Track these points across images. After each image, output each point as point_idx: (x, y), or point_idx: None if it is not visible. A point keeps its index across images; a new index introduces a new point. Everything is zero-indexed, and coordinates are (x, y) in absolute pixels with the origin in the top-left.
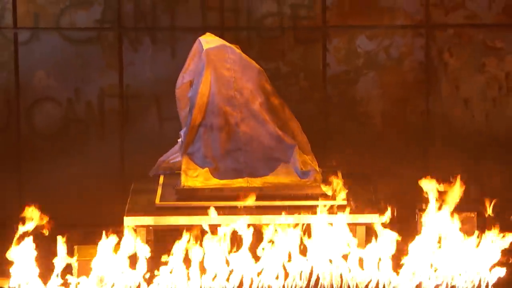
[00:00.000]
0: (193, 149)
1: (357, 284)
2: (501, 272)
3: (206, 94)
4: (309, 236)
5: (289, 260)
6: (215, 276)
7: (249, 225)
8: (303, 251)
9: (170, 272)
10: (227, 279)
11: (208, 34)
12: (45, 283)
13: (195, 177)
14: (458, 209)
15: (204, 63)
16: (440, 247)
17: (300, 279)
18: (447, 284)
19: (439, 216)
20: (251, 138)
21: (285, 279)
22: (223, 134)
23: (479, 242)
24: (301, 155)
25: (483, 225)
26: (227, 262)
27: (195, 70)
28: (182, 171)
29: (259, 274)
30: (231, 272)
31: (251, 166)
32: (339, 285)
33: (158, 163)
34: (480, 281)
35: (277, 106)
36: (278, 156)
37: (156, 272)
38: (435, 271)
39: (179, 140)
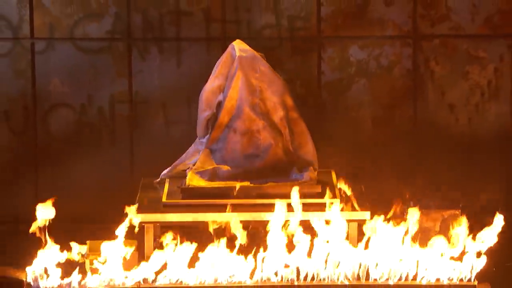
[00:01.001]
0: (216, 146)
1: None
2: (482, 261)
3: (235, 98)
4: (306, 231)
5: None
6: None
7: (248, 222)
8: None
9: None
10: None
11: (239, 41)
12: (60, 276)
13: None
14: (443, 207)
15: (237, 69)
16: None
17: (299, 273)
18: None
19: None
20: (269, 146)
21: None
22: (245, 139)
23: (459, 239)
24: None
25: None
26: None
27: (227, 74)
28: (195, 168)
29: (253, 272)
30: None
31: (260, 173)
32: (337, 278)
33: (173, 166)
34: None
35: (295, 120)
36: (285, 168)
37: (161, 268)
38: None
39: (196, 142)
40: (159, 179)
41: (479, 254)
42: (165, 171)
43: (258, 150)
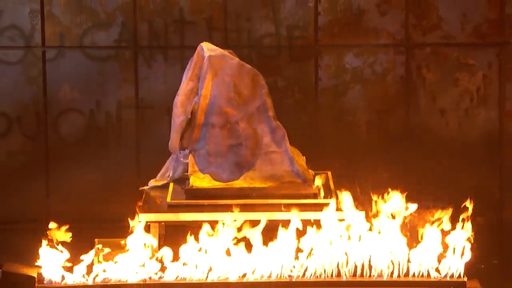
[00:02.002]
0: (199, 145)
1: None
2: (468, 256)
3: (209, 96)
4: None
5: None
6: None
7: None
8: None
9: (183, 264)
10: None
11: (205, 42)
12: (71, 273)
13: (202, 178)
14: (434, 206)
15: (208, 68)
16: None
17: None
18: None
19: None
20: (250, 134)
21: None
22: (224, 131)
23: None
24: (297, 157)
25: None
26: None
27: (199, 75)
28: (190, 173)
29: (253, 272)
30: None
31: (251, 160)
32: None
33: (150, 182)
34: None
35: (272, 105)
36: (273, 150)
37: (165, 265)
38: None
39: (171, 158)
40: (147, 187)
41: (467, 252)
42: (150, 184)
43: (240, 139)
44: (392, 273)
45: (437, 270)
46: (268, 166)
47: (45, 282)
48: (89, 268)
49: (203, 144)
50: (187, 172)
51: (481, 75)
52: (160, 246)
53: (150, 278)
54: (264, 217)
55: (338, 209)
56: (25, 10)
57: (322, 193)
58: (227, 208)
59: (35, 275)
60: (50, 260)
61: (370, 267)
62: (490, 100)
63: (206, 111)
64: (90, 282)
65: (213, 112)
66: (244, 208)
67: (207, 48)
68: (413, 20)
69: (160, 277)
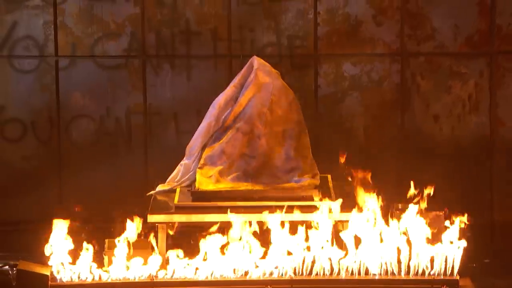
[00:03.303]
0: (217, 141)
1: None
2: (463, 257)
3: (244, 104)
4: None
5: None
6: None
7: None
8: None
9: (187, 265)
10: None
11: (258, 58)
12: (80, 268)
13: (209, 177)
14: (428, 209)
15: (252, 81)
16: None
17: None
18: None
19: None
20: (266, 153)
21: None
22: (245, 138)
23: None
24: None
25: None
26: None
27: (243, 84)
28: (199, 167)
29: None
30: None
31: (257, 174)
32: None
33: (158, 187)
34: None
35: (298, 133)
36: (281, 176)
37: (170, 262)
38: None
39: (180, 164)
40: (154, 191)
41: (459, 251)
42: (158, 188)
43: (255, 153)
44: (387, 271)
45: (431, 268)
46: (271, 185)
47: (57, 280)
48: (99, 266)
49: (223, 140)
50: (195, 179)
51: (473, 82)
52: (167, 246)
53: (156, 276)
54: (265, 218)
55: (336, 210)
56: (39, 21)
57: (322, 195)
58: (232, 210)
59: (48, 273)
60: (62, 259)
61: (366, 268)
62: (481, 106)
63: (236, 115)
64: (99, 280)
65: (242, 118)
66: (247, 210)
67: (258, 63)
68: (408, 30)
69: (166, 274)
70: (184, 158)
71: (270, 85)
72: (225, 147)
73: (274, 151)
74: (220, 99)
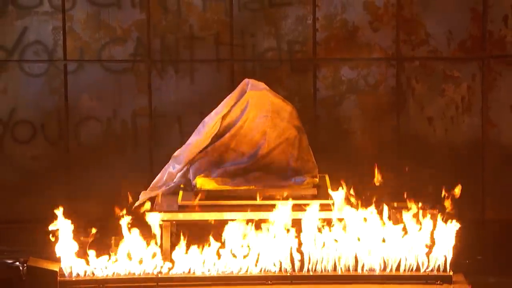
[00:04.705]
0: (220, 166)
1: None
2: (455, 254)
3: (243, 126)
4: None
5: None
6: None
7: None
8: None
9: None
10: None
11: (252, 80)
12: (87, 265)
13: (210, 179)
14: (423, 208)
15: (248, 103)
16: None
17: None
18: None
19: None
20: (270, 166)
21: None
22: (245, 158)
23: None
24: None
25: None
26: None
27: (232, 104)
28: (200, 175)
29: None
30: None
31: (258, 180)
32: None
33: (145, 193)
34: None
35: (300, 140)
36: (283, 185)
37: (175, 259)
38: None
39: (167, 170)
40: (138, 201)
41: (453, 248)
42: (143, 194)
43: (260, 167)
44: (381, 267)
45: (425, 264)
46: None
47: (66, 276)
48: (105, 262)
49: (227, 165)
50: (182, 183)
51: (466, 86)
52: (172, 244)
53: (161, 272)
54: (267, 216)
55: (335, 208)
56: (49, 27)
57: (319, 195)
58: (234, 208)
59: (57, 269)
60: (70, 255)
61: (360, 263)
62: (474, 109)
63: (236, 137)
64: (106, 276)
65: (242, 140)
66: (250, 208)
67: (252, 84)
68: (403, 36)
69: (170, 269)
70: (170, 165)
71: (267, 102)
72: (228, 169)
73: (275, 161)
74: (211, 118)
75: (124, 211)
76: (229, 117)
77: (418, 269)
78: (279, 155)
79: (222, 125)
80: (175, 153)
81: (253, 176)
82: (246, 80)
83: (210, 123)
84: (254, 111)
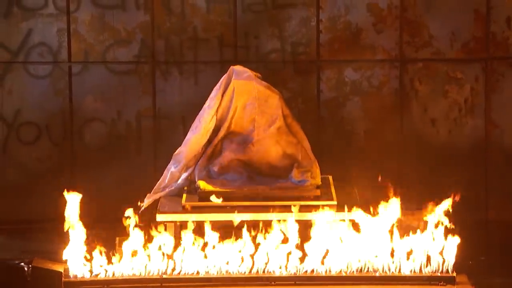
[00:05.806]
0: (213, 153)
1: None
2: (459, 255)
3: (232, 116)
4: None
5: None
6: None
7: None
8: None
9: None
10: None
11: (238, 66)
12: (92, 265)
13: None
14: (426, 207)
15: (234, 92)
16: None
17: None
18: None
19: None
20: (263, 156)
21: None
22: (240, 148)
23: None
24: (300, 169)
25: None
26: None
27: (222, 95)
28: (203, 178)
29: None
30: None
31: (255, 178)
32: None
33: (149, 196)
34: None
35: (293, 128)
36: (279, 174)
37: (179, 259)
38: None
39: (169, 170)
40: (144, 205)
41: (456, 249)
42: (148, 198)
43: (252, 159)
44: (385, 269)
45: (428, 265)
46: (270, 186)
47: (70, 276)
48: (109, 263)
49: (218, 153)
50: (185, 186)
51: (469, 87)
52: (176, 244)
53: (165, 272)
54: (270, 217)
55: (338, 210)
56: (53, 29)
57: (323, 196)
58: (238, 209)
59: (61, 270)
60: (75, 256)
61: (365, 265)
62: (477, 110)
63: (228, 129)
64: (110, 277)
65: (235, 130)
66: (252, 209)
67: (236, 72)
68: (407, 37)
69: (174, 270)
70: (171, 165)
71: (253, 90)
72: (221, 159)
73: (271, 151)
74: (206, 112)
75: (129, 212)
76: (221, 109)
77: (421, 270)
78: (274, 145)
79: (217, 118)
80: (176, 152)
81: (255, 176)
82: (231, 67)
83: (207, 118)
84: (241, 100)
